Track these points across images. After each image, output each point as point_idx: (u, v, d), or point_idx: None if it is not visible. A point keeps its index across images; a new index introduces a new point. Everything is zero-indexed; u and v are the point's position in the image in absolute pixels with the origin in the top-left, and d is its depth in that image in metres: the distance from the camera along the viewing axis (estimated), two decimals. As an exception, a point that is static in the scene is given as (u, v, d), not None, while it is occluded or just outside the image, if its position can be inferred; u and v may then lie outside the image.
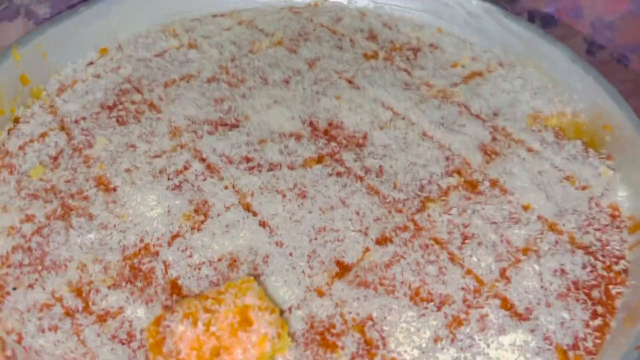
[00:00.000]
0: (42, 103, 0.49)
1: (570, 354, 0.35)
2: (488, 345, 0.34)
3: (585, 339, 0.35)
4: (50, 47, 0.50)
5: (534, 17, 0.80)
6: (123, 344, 0.34)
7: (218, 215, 0.40)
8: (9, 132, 0.46)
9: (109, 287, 0.36)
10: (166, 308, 0.35)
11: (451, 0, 0.57)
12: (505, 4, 0.78)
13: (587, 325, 0.36)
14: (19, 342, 0.34)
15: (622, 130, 0.45)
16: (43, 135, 0.46)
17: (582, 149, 0.46)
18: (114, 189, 0.42)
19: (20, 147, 0.45)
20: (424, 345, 0.34)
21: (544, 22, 0.81)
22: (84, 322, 0.35)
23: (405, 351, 0.34)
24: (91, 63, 0.53)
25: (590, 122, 0.48)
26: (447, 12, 0.57)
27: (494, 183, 0.43)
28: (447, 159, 0.45)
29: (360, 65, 0.53)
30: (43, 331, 0.34)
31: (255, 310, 0.32)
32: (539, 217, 0.41)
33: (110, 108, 0.48)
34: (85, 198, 0.41)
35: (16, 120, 0.47)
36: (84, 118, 0.47)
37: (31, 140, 0.46)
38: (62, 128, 0.47)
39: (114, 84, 0.51)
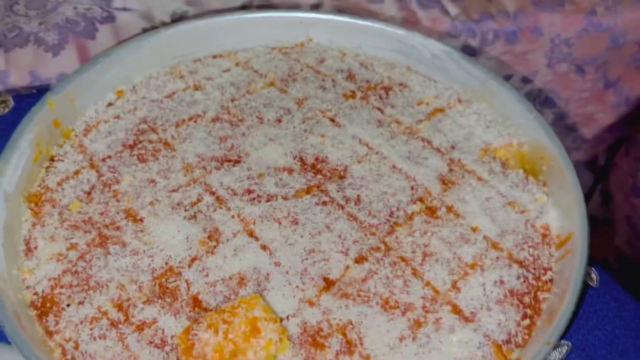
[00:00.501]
0: (72, 143, 0.58)
1: (504, 347, 0.45)
2: (441, 342, 0.45)
3: (516, 335, 0.46)
4: (76, 93, 0.59)
5: (499, 35, 0.90)
6: (158, 348, 0.44)
7: (227, 241, 0.50)
8: (46, 169, 0.55)
9: (143, 303, 0.46)
10: (192, 319, 0.44)
11: (417, 43, 0.66)
12: (473, 23, 0.88)
13: (519, 325, 0.46)
14: (76, 348, 0.44)
15: (555, 162, 0.55)
16: (76, 172, 0.55)
17: (523, 177, 0.56)
18: (141, 220, 0.51)
19: (59, 183, 0.54)
20: (391, 343, 0.44)
21: (508, 39, 0.91)
22: (126, 331, 0.44)
23: (377, 348, 0.44)
24: (110, 104, 0.62)
25: (531, 152, 0.58)
26: (414, 53, 0.67)
27: (449, 209, 0.53)
28: (412, 188, 0.55)
29: (341, 105, 0.62)
30: (95, 339, 0.44)
31: (262, 321, 0.42)
32: (485, 237, 0.51)
33: (132, 147, 0.57)
34: (118, 228, 0.51)
35: (52, 159, 0.56)
36: (109, 157, 0.56)
37: (67, 177, 0.55)
38: (92, 166, 0.56)
39: (133, 124, 0.60)
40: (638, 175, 1.04)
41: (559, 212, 0.53)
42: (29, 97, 0.66)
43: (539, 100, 1.00)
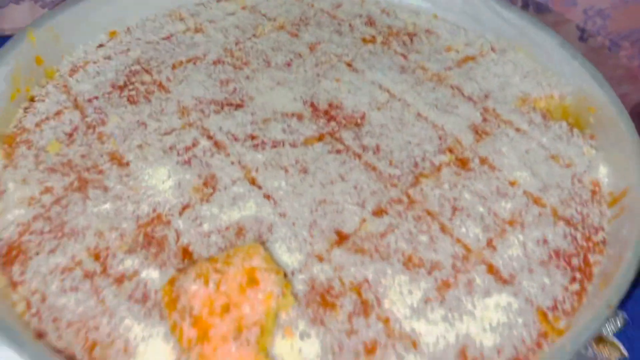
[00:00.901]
0: (56, 83, 0.51)
1: (550, 314, 0.38)
2: (474, 307, 0.37)
3: (563, 302, 0.38)
4: (62, 30, 0.53)
5: (527, 4, 0.83)
6: (138, 303, 0.37)
7: (225, 188, 0.43)
8: (25, 110, 0.49)
9: (124, 253, 0.39)
10: (179, 270, 0.37)
11: (446, -13, 0.59)
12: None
13: (566, 290, 0.39)
14: (42, 301, 0.37)
15: (605, 112, 0.48)
16: (58, 113, 0.49)
17: (567, 130, 0.49)
18: (127, 164, 0.45)
19: (37, 125, 0.48)
20: (415, 305, 0.37)
21: (538, 8, 0.83)
22: (103, 284, 0.38)
23: (398, 310, 0.37)
24: (101, 45, 0.55)
25: (576, 104, 0.51)
26: (442, 0, 0.60)
27: (483, 160, 0.46)
28: (440, 138, 0.48)
29: (359, 49, 0.55)
30: (65, 292, 0.37)
31: (262, 271, 0.35)
32: (525, 192, 0.44)
33: (121, 88, 0.51)
34: (100, 172, 0.44)
35: (31, 99, 0.50)
36: (96, 97, 0.50)
37: (47, 118, 0.48)
38: (76, 106, 0.49)
39: (124, 65, 0.53)
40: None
41: (610, 167, 0.46)
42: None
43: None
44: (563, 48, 0.53)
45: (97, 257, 0.39)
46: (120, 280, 0.38)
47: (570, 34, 0.88)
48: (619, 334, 0.40)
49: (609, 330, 0.40)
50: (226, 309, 0.33)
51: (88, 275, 0.38)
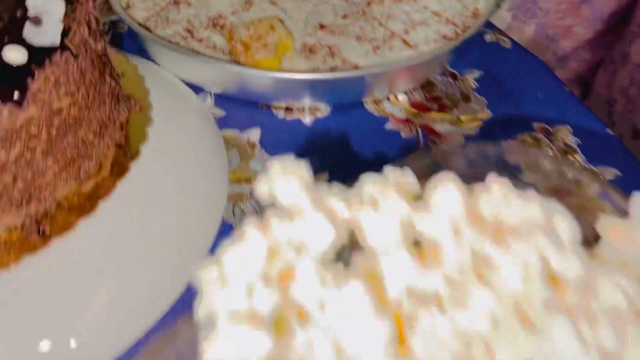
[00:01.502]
0: (155, -43, 0.84)
1: (433, 61, 0.69)
2: (391, 51, 0.69)
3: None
4: None
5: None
6: (212, 48, 0.69)
7: (257, 5, 0.75)
8: None
9: (203, 30, 0.71)
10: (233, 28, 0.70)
11: None
12: None
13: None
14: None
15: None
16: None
17: (467, -15, 0.80)
18: (201, -7, 0.77)
19: None
20: (361, 54, 0.69)
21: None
22: (192, 42, 0.70)
23: (351, 56, 0.68)
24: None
25: (477, -27, 0.82)
26: None
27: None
28: (387, -14, 0.79)
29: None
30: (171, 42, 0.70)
31: (277, 25, 0.67)
32: (432, 11, 0.75)
33: (195, -40, 0.83)
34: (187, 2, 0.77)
35: (141, -34, 0.83)
36: (180, -36, 0.83)
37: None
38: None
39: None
40: (612, 88, 1.22)
41: (487, 4, 0.77)
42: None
43: (523, 9, 1.20)
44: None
45: (188, 30, 0.71)
46: (200, 40, 0.70)
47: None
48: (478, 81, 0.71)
49: (472, 85, 0.71)
50: (259, 38, 0.65)
51: (183, 38, 0.71)
